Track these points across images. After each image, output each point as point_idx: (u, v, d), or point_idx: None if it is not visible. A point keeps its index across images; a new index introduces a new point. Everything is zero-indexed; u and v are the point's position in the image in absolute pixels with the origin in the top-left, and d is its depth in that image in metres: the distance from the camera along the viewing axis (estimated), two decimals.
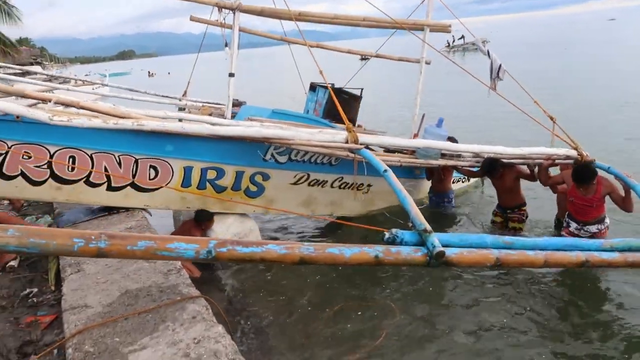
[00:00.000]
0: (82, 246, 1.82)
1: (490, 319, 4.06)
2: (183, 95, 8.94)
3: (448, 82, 20.25)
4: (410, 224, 2.76)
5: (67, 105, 4.25)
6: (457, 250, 2.52)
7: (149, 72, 74.24)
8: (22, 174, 4.29)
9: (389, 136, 5.21)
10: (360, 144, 4.21)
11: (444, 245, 2.47)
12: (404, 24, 6.21)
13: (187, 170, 4.84)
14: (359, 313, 4.26)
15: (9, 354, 3.13)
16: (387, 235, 2.53)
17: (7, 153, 4.16)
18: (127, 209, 5.06)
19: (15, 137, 4.13)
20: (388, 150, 5.82)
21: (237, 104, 7.23)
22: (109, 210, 5.04)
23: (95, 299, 3.37)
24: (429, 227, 2.51)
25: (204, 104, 8.58)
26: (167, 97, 9.06)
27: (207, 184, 5.01)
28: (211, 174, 4.98)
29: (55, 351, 3.05)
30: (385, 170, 3.48)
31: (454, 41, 48.29)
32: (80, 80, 12.37)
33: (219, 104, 8.44)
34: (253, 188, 5.28)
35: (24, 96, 4.19)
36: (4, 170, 4.21)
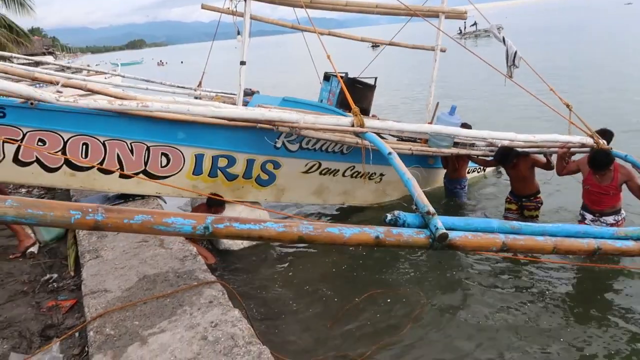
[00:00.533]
0: (79, 218, 1.79)
1: (505, 311, 4.08)
2: (198, 86, 8.97)
3: (460, 71, 20.06)
4: (414, 207, 2.71)
5: (74, 87, 4.27)
6: (462, 233, 2.47)
7: (159, 61, 74.35)
8: (37, 161, 4.36)
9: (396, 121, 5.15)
10: (367, 128, 4.16)
11: (448, 229, 2.41)
12: (418, 10, 6.15)
13: (199, 158, 4.88)
14: (382, 302, 4.28)
15: (32, 337, 3.23)
16: (389, 216, 2.47)
17: (22, 139, 4.23)
18: (142, 197, 5.13)
19: (30, 123, 4.19)
20: (402, 139, 5.82)
21: (249, 93, 7.25)
22: (124, 198, 5.12)
23: (114, 284, 3.44)
24: (432, 209, 2.45)
25: (218, 94, 8.61)
26: (182, 87, 9.10)
27: (219, 172, 5.06)
28: (222, 162, 5.02)
29: (77, 334, 3.14)
30: (390, 153, 3.40)
31: (465, 28, 47.65)
32: (93, 70, 12.42)
33: (233, 94, 8.45)
34: (264, 176, 5.31)
35: (34, 79, 4.23)
36: (19, 156, 4.28)
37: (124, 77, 10.02)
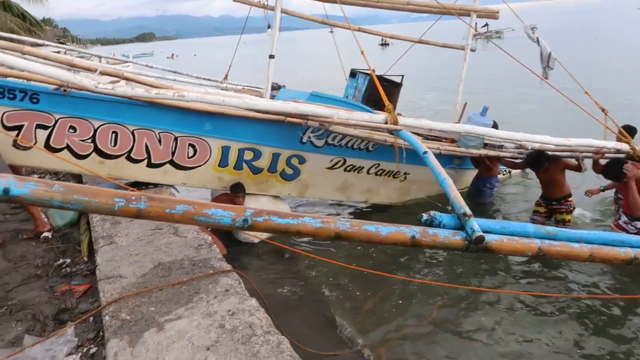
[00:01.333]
0: (122, 206, 1.79)
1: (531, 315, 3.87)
2: (224, 79, 8.92)
3: (479, 70, 19.63)
4: (450, 207, 2.60)
5: (111, 75, 4.25)
6: (497, 236, 2.38)
7: (170, 54, 74.02)
8: (68, 147, 4.36)
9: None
10: (400, 126, 4.05)
11: (483, 231, 2.32)
12: (451, 8, 5.98)
13: (225, 150, 4.82)
14: (401, 296, 4.17)
15: (45, 320, 3.13)
16: (424, 216, 2.40)
17: (54, 126, 4.24)
18: (155, 186, 5.07)
19: (62, 110, 4.22)
20: (427, 138, 5.64)
21: (276, 87, 7.17)
22: (137, 186, 5.05)
23: (129, 270, 3.34)
24: (468, 211, 2.36)
25: (244, 87, 8.54)
26: (208, 79, 9.06)
27: (244, 164, 4.98)
28: (248, 155, 4.94)
29: (92, 319, 3.04)
30: (425, 152, 3.33)
31: (476, 29, 46.99)
32: (112, 59, 12.49)
33: (259, 87, 8.37)
34: (289, 171, 5.20)
35: (73, 65, 4.22)
36: (50, 142, 4.29)
37: (151, 67, 9.95)
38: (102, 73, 4.07)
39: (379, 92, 4.41)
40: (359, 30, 6.38)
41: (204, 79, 9.00)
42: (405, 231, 2.22)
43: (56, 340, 2.82)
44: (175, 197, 1.97)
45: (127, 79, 4.24)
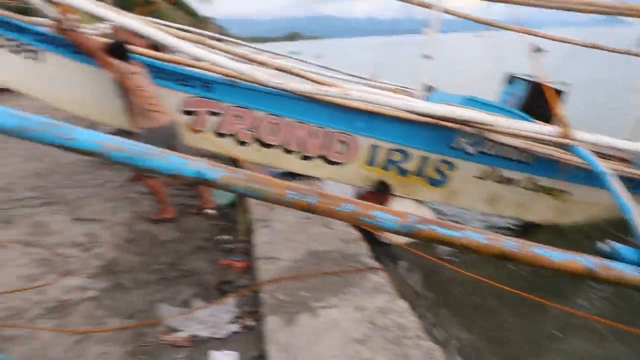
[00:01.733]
0: (293, 198, 1.88)
1: None
2: (374, 78, 9.02)
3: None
4: (631, 239, 2.30)
5: (283, 71, 4.57)
6: None
7: (317, 54, 76.37)
8: (232, 134, 4.79)
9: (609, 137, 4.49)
10: (575, 141, 3.71)
11: None
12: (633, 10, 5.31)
13: (374, 149, 4.89)
14: (558, 327, 3.87)
15: (209, 288, 3.47)
16: (603, 247, 2.13)
17: (223, 113, 4.69)
18: (305, 178, 5.29)
19: (232, 99, 4.65)
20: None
21: (427, 89, 7.04)
22: (292, 176, 5.31)
23: (284, 254, 3.55)
24: None
25: (396, 87, 8.53)
26: (356, 77, 9.22)
27: (392, 165, 5.00)
28: (397, 156, 4.96)
29: (250, 294, 3.28)
30: (604, 173, 3.00)
31: None
32: (279, 54, 13.23)
33: (408, 88, 8.31)
34: (436, 176, 5.09)
35: (251, 60, 4.60)
36: (219, 128, 4.75)
37: (309, 63, 10.38)
38: (277, 69, 4.37)
39: (547, 101, 4.10)
40: (527, 32, 5.99)
41: (353, 75, 9.15)
42: (580, 260, 2.02)
43: (220, 308, 3.11)
44: (342, 196, 2.04)
45: (297, 75, 4.50)
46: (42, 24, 4.39)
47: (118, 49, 4.20)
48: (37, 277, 3.48)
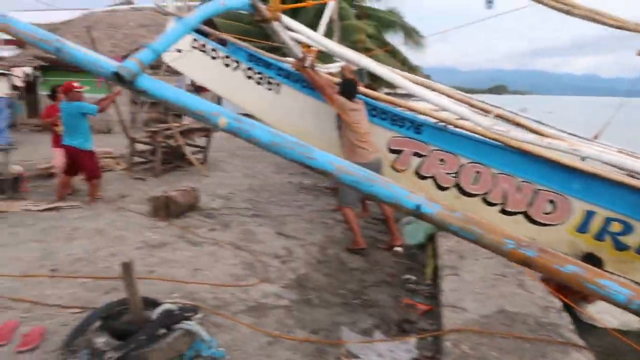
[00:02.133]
0: (512, 248, 1.77)
1: None
2: (594, 137, 8.14)
3: None
4: None
5: (506, 119, 4.45)
6: None
7: (522, 108, 72.24)
8: (433, 177, 4.82)
9: None
10: None
11: None
12: None
13: (589, 215, 4.37)
14: None
15: (390, 323, 3.49)
16: None
17: (427, 156, 4.76)
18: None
19: (439, 143, 4.70)
20: None
21: None
22: None
23: (472, 306, 3.36)
24: None
25: (620, 149, 7.57)
26: (574, 135, 8.45)
27: (607, 236, 4.39)
28: (616, 227, 4.34)
29: (430, 338, 3.20)
30: None
31: None
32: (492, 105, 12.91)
33: (635, 153, 7.27)
34: None
35: (472, 105, 4.62)
36: (420, 170, 4.84)
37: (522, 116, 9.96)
38: (497, 116, 4.28)
39: None
40: None
41: (570, 133, 8.38)
42: None
43: (400, 345, 3.09)
44: (566, 256, 1.84)
45: (520, 125, 4.33)
46: (283, 61, 5.13)
47: (350, 87, 4.64)
48: (242, 278, 3.95)
